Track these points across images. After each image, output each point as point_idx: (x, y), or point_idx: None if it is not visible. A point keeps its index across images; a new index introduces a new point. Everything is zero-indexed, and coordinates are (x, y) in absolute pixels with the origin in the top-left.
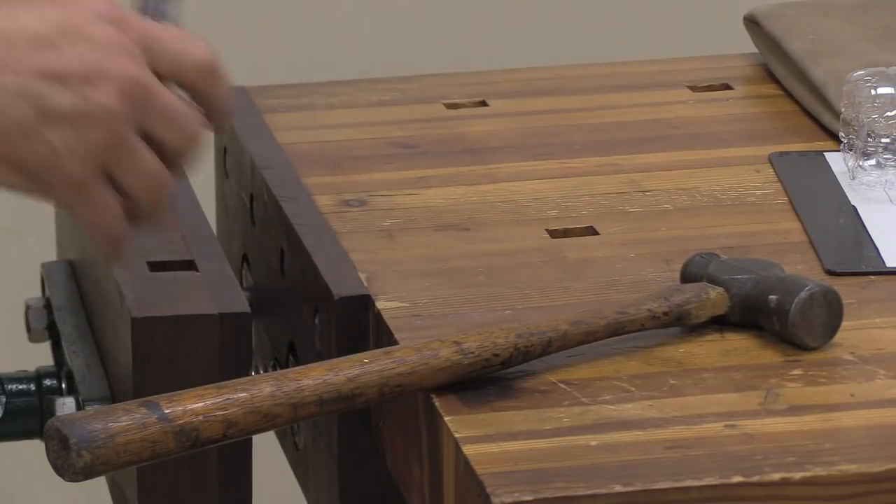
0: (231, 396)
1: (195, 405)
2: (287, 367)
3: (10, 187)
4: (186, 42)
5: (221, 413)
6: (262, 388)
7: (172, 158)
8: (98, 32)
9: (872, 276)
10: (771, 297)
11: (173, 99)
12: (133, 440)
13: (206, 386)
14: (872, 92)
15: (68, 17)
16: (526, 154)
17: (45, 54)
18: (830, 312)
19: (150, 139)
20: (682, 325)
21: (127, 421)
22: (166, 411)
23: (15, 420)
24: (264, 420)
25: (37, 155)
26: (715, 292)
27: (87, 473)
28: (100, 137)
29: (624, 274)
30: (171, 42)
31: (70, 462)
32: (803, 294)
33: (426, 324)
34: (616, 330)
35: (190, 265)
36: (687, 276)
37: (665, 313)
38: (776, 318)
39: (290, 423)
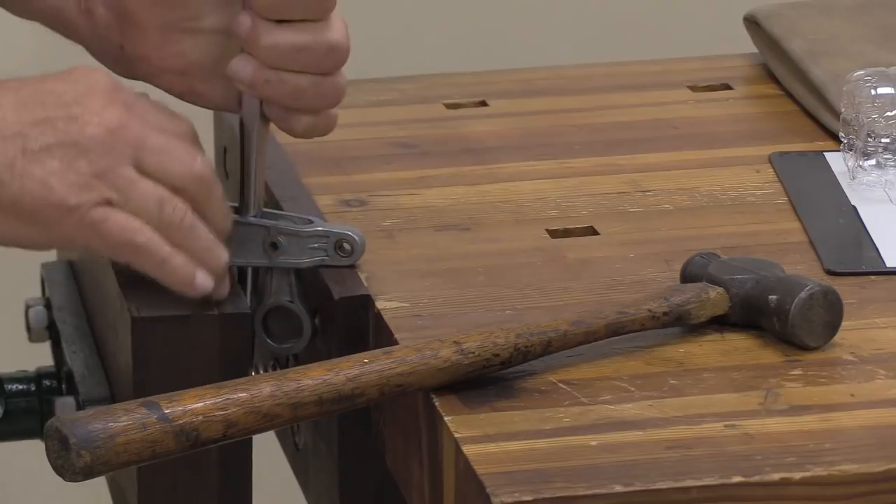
0: (231, 396)
1: (195, 405)
2: (287, 367)
3: (16, 238)
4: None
5: (221, 413)
6: (262, 388)
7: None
8: (93, 101)
9: (872, 276)
10: (771, 297)
11: (164, 138)
12: (133, 440)
13: (206, 386)
14: (872, 92)
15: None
16: (526, 154)
17: (32, 109)
18: (831, 312)
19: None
20: (682, 325)
21: (127, 421)
22: (166, 411)
23: (15, 420)
24: (264, 420)
25: (27, 190)
26: (715, 292)
27: (86, 473)
28: (89, 165)
29: (624, 274)
30: (157, 111)
31: (70, 462)
32: (803, 294)
33: (426, 324)
34: (616, 330)
35: None
36: (687, 276)
37: (665, 313)
38: (776, 318)
39: (290, 423)
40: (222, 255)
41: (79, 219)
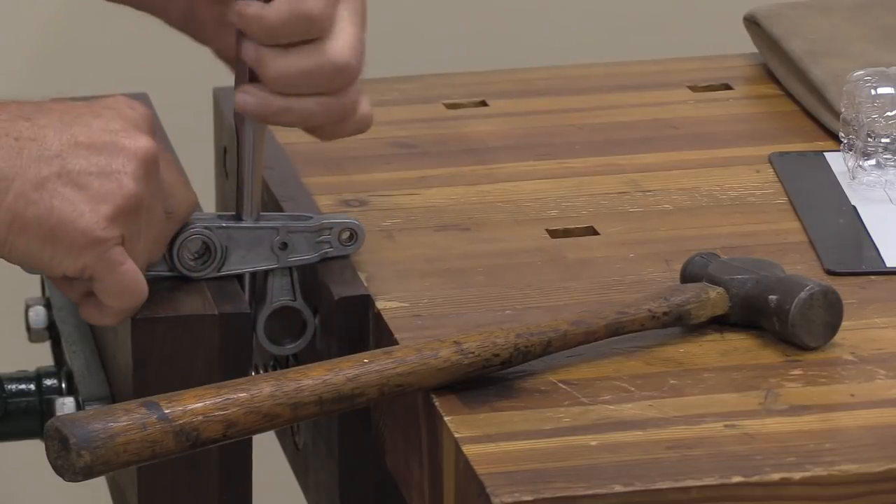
0: (231, 396)
1: (195, 405)
2: (287, 367)
3: (27, 256)
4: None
5: (221, 413)
6: (262, 388)
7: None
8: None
9: (872, 276)
10: (771, 297)
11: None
12: (133, 440)
13: (205, 386)
14: (872, 92)
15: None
16: (526, 154)
17: (72, 129)
18: (830, 312)
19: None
20: (682, 325)
21: (127, 421)
22: (166, 411)
23: (15, 420)
24: (264, 420)
25: (55, 210)
26: (715, 292)
27: (86, 473)
28: (122, 201)
29: (624, 274)
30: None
31: (70, 462)
32: (803, 294)
33: (426, 324)
34: (616, 330)
35: None
36: (687, 276)
37: (665, 313)
38: (776, 318)
39: (290, 422)
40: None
41: (99, 253)
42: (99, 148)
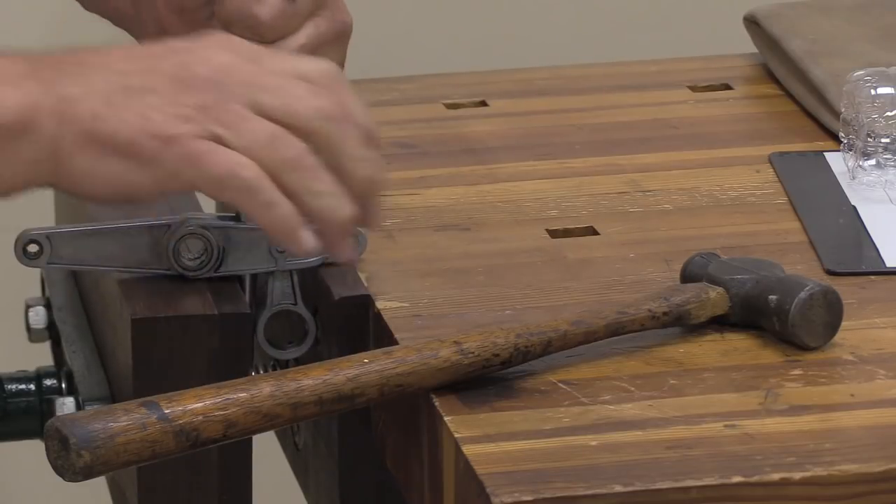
0: (231, 396)
1: (195, 405)
2: (287, 367)
3: (119, 179)
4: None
5: (221, 413)
6: (262, 388)
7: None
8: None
9: (872, 276)
10: (771, 297)
11: (284, 79)
12: (133, 440)
13: (206, 386)
14: (872, 92)
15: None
16: (526, 154)
17: (141, 58)
18: (830, 312)
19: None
20: (682, 325)
21: (127, 421)
22: (166, 411)
23: (15, 420)
24: (264, 420)
25: (123, 122)
26: (715, 292)
27: (86, 473)
28: (192, 98)
29: (624, 274)
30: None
31: (70, 462)
32: (803, 294)
33: (426, 324)
34: (616, 330)
35: None
36: (687, 276)
37: (665, 313)
38: (776, 318)
39: (290, 423)
40: (343, 210)
41: (179, 150)
42: (163, 62)
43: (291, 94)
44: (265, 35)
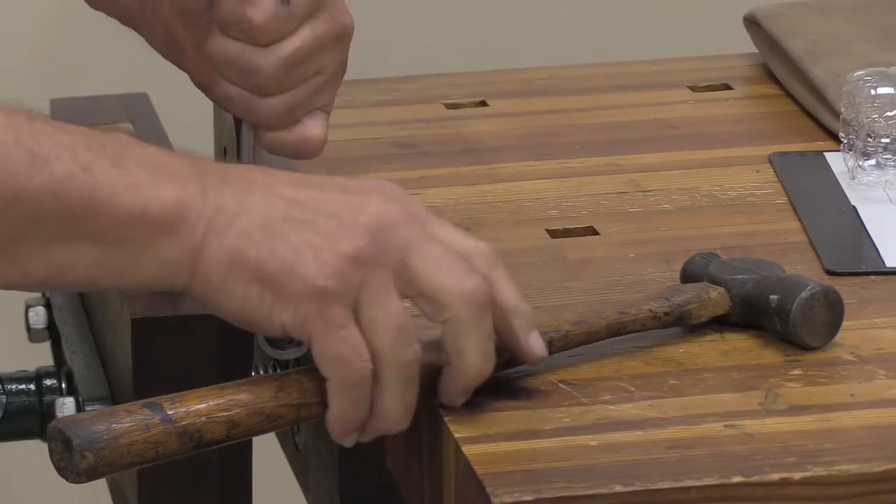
0: (234, 398)
1: (198, 406)
2: (287, 367)
3: (243, 305)
4: (468, 236)
5: (224, 414)
6: (266, 389)
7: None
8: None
9: (872, 276)
10: (772, 296)
11: (444, 248)
12: (136, 441)
13: (209, 387)
14: (872, 92)
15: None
16: (526, 154)
17: (308, 188)
18: (831, 312)
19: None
20: (683, 324)
21: (130, 422)
22: (169, 412)
23: (15, 420)
24: (267, 421)
25: (276, 252)
26: (716, 292)
27: (90, 475)
28: (350, 249)
29: (624, 274)
30: (452, 228)
31: (74, 464)
32: (804, 294)
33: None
34: (617, 330)
35: None
36: (687, 276)
37: (666, 313)
38: (777, 318)
39: (292, 423)
40: (399, 425)
41: (317, 306)
42: (330, 201)
43: (441, 267)
44: (259, 38)
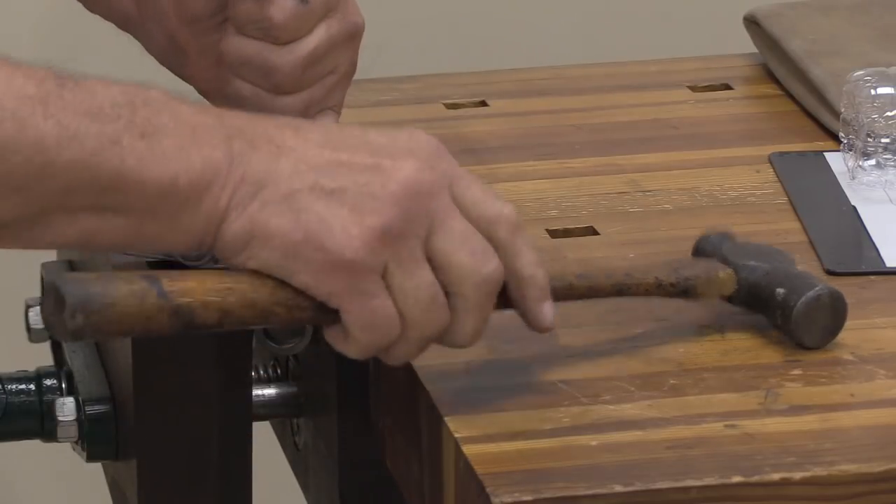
0: (232, 286)
1: (195, 286)
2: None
3: (265, 271)
4: (495, 197)
5: (219, 300)
6: (265, 284)
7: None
8: (402, 146)
9: (872, 276)
10: (779, 290)
11: (468, 225)
12: (129, 313)
13: (210, 271)
14: (872, 92)
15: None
16: (526, 154)
17: (339, 150)
18: (834, 317)
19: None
20: (687, 298)
21: (126, 291)
22: (166, 289)
23: (15, 420)
24: (260, 316)
25: (301, 224)
26: (724, 273)
27: (76, 336)
28: (379, 222)
29: None
30: (479, 190)
31: (62, 321)
32: (811, 293)
33: None
34: (620, 290)
35: None
36: (699, 253)
37: (672, 284)
38: (780, 312)
39: (286, 324)
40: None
41: (345, 277)
42: (360, 168)
43: (463, 246)
44: (279, 37)
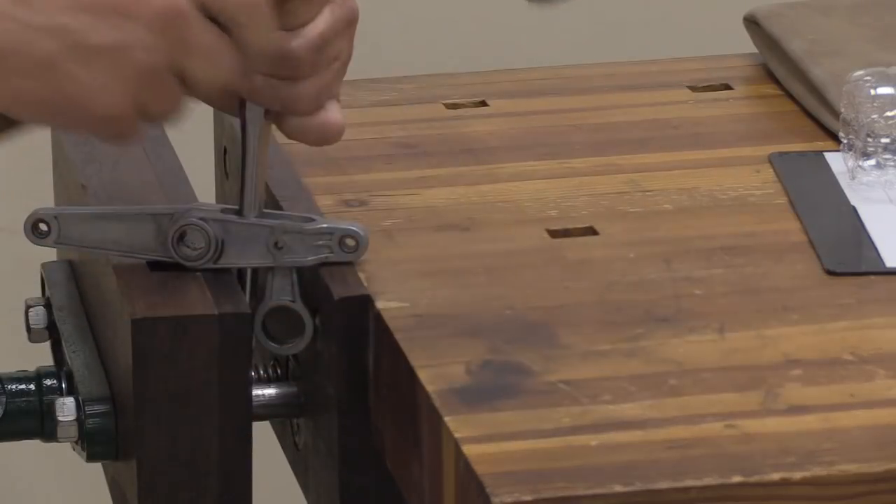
0: None
1: None
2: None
3: (40, 124)
4: None
5: None
6: None
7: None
8: None
9: (872, 276)
10: None
11: (213, 35)
12: None
13: None
14: (872, 92)
15: None
16: (526, 154)
17: None
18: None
19: (183, 76)
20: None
21: None
22: None
23: (15, 420)
24: None
25: (63, 92)
26: None
27: None
28: (133, 72)
29: (624, 274)
30: None
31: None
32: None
33: (426, 324)
34: None
35: None
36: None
37: None
38: None
39: None
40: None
41: (111, 126)
42: (105, 11)
43: (211, 63)
44: (288, 21)
